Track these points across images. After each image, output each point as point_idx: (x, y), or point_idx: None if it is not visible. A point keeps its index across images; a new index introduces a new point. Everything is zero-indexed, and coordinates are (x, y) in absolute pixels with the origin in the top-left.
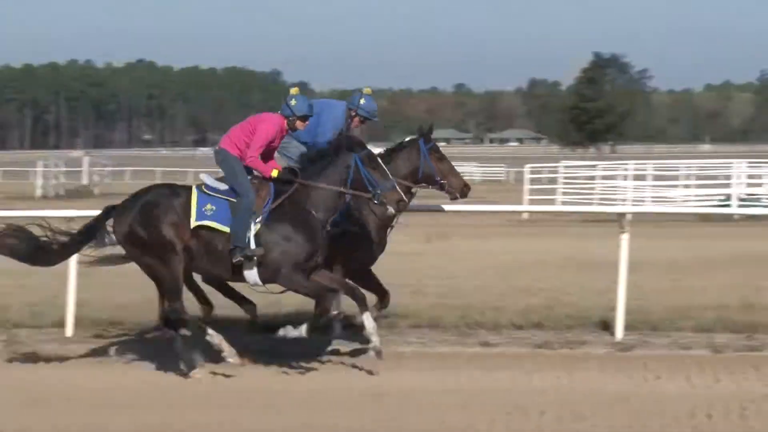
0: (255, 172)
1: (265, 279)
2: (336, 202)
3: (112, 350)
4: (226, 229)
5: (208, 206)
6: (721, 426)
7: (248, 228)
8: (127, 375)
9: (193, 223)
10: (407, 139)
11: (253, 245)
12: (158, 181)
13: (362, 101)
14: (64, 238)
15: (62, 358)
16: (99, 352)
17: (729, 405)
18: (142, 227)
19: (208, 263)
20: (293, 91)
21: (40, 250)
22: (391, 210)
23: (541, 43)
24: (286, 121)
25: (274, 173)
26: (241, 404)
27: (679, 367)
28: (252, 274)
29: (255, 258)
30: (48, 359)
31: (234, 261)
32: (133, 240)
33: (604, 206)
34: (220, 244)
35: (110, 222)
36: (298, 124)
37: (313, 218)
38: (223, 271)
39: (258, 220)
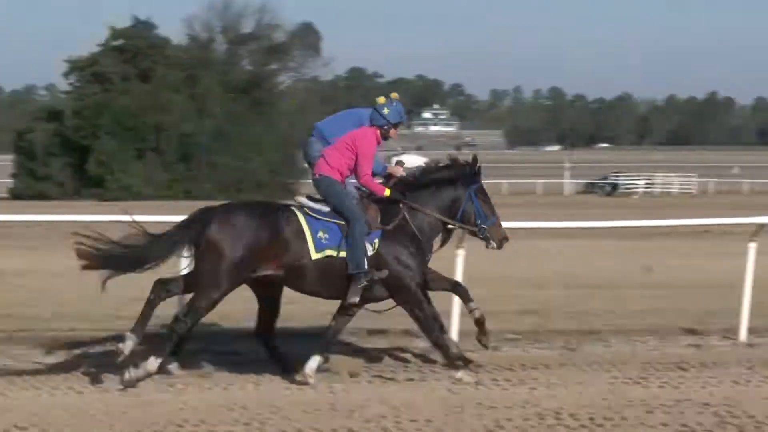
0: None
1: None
2: (440, 231)
3: None
4: (343, 254)
5: (322, 233)
6: None
7: (365, 252)
8: None
9: (314, 255)
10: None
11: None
12: None
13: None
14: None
15: None
16: None
17: None
18: (230, 242)
19: (324, 287)
20: (381, 100)
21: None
22: (493, 245)
23: None
24: (379, 131)
25: (387, 192)
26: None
27: None
28: (357, 294)
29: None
30: None
31: (360, 286)
32: (212, 248)
33: None
34: (335, 269)
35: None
36: (392, 132)
37: (421, 243)
38: (335, 293)
39: (373, 241)
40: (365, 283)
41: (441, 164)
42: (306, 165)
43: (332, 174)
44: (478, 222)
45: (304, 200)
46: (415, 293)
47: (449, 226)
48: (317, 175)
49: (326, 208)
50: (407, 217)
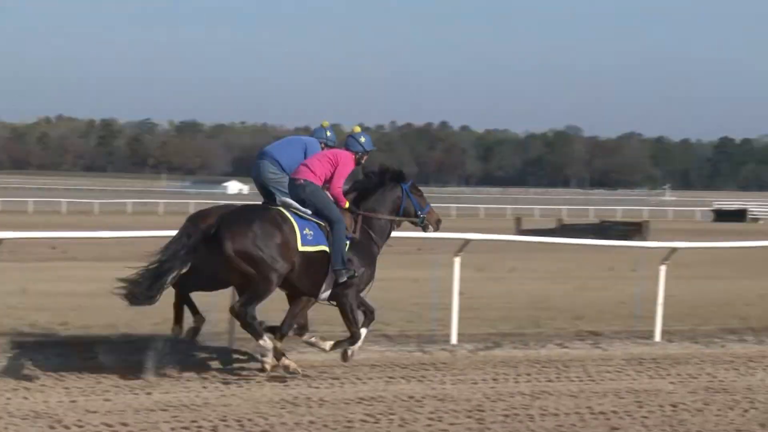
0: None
1: (332, 296)
2: (390, 230)
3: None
4: (326, 249)
5: (307, 230)
6: None
7: (344, 251)
8: None
9: (300, 248)
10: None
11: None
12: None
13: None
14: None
15: None
16: None
17: None
18: (260, 247)
19: (302, 280)
20: (357, 129)
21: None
22: (431, 229)
23: None
24: (355, 156)
25: (346, 204)
26: None
27: None
28: (328, 292)
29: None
30: None
31: (341, 281)
32: (247, 257)
33: None
34: (314, 264)
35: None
36: (365, 158)
37: (376, 247)
38: (308, 288)
39: (348, 243)
40: (346, 278)
41: (375, 172)
42: (256, 183)
43: (315, 180)
44: (418, 213)
45: (289, 201)
46: (357, 294)
47: (396, 221)
48: (301, 181)
49: (309, 210)
50: (363, 224)
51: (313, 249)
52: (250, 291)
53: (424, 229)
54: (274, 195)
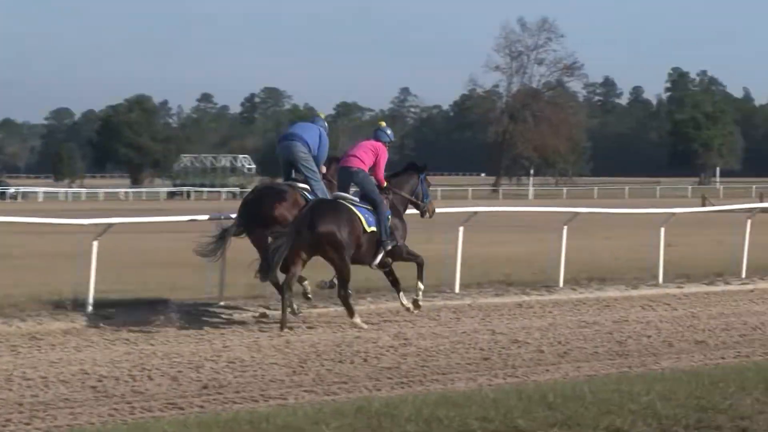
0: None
1: (382, 262)
2: (406, 206)
3: None
4: (374, 230)
5: (366, 216)
6: None
7: (388, 226)
8: None
9: (368, 229)
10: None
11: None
12: None
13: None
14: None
15: None
16: None
17: None
18: (346, 232)
19: (364, 254)
20: (382, 123)
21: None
22: (427, 215)
23: None
24: (387, 146)
25: (385, 184)
26: None
27: None
28: (379, 258)
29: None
30: None
31: (387, 249)
32: (334, 240)
33: None
34: (370, 240)
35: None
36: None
37: (402, 211)
38: (368, 258)
39: (388, 217)
40: (390, 246)
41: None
42: (285, 162)
43: (364, 168)
44: (424, 200)
45: (344, 194)
46: (405, 248)
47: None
48: (357, 169)
49: (357, 199)
50: (392, 199)
51: (371, 230)
52: (338, 276)
53: (422, 214)
54: (296, 172)
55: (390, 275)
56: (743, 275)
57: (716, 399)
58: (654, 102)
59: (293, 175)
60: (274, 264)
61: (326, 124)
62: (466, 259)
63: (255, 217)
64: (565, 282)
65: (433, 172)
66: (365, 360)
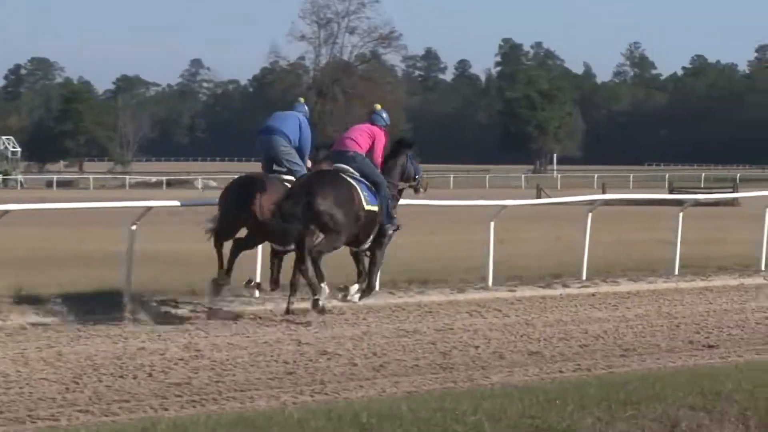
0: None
1: (371, 246)
2: (400, 194)
3: None
4: (376, 208)
5: (366, 193)
6: None
7: (390, 207)
8: None
9: (367, 207)
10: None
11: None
12: None
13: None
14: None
15: None
16: None
17: None
18: (344, 207)
19: (362, 233)
20: (378, 106)
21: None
22: (422, 191)
23: None
24: (384, 130)
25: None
26: None
27: None
28: (368, 243)
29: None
30: None
31: (390, 232)
32: (333, 216)
33: None
34: (370, 218)
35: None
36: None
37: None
38: (363, 238)
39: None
40: (392, 231)
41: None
42: (267, 158)
43: (360, 151)
44: (416, 177)
45: (343, 166)
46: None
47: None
48: (351, 152)
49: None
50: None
51: (371, 208)
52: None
53: (416, 191)
54: (278, 165)
55: (361, 264)
56: (584, 277)
57: (553, 418)
58: (482, 78)
59: (275, 168)
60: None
61: (306, 109)
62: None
63: (236, 208)
64: (381, 285)
65: (228, 158)
66: (150, 374)
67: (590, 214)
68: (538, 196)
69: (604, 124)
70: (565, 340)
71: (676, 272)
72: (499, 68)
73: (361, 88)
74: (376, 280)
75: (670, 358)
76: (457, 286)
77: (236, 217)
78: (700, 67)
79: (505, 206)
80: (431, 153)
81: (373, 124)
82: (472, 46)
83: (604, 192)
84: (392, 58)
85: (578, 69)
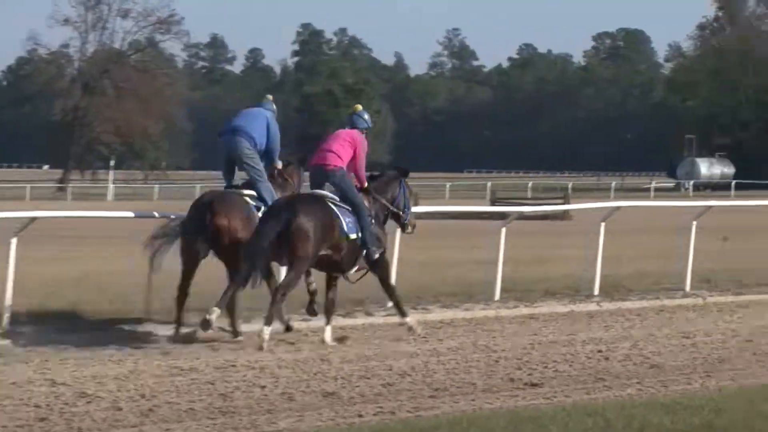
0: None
1: (371, 269)
2: (387, 217)
3: None
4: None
5: (347, 220)
6: None
7: (372, 230)
8: None
9: (350, 236)
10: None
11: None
12: None
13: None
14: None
15: None
16: None
17: None
18: (322, 231)
19: (345, 261)
20: (358, 107)
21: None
22: (410, 230)
23: None
24: (365, 134)
25: (366, 184)
26: None
27: None
28: (356, 269)
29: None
30: None
31: (374, 258)
32: (310, 238)
33: None
34: (351, 246)
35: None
36: (367, 135)
37: (383, 217)
38: (346, 267)
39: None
40: (378, 255)
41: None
42: (228, 158)
43: (343, 165)
44: (405, 211)
45: (325, 192)
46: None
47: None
48: (335, 168)
49: (338, 199)
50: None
51: (353, 237)
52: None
53: (403, 228)
54: (237, 170)
55: (385, 285)
56: (389, 305)
57: None
58: (277, 70)
59: (235, 175)
60: (258, 269)
61: (275, 107)
62: (23, 282)
63: (199, 227)
64: (152, 314)
65: None
66: None
67: (398, 230)
68: None
69: (419, 123)
70: (366, 378)
71: (497, 297)
72: (296, 59)
73: (135, 80)
74: (402, 304)
75: (487, 399)
76: (241, 316)
77: (200, 243)
78: (528, 57)
79: None
80: (212, 157)
81: (353, 127)
82: (265, 32)
83: (415, 204)
84: (172, 47)
85: (389, 60)
